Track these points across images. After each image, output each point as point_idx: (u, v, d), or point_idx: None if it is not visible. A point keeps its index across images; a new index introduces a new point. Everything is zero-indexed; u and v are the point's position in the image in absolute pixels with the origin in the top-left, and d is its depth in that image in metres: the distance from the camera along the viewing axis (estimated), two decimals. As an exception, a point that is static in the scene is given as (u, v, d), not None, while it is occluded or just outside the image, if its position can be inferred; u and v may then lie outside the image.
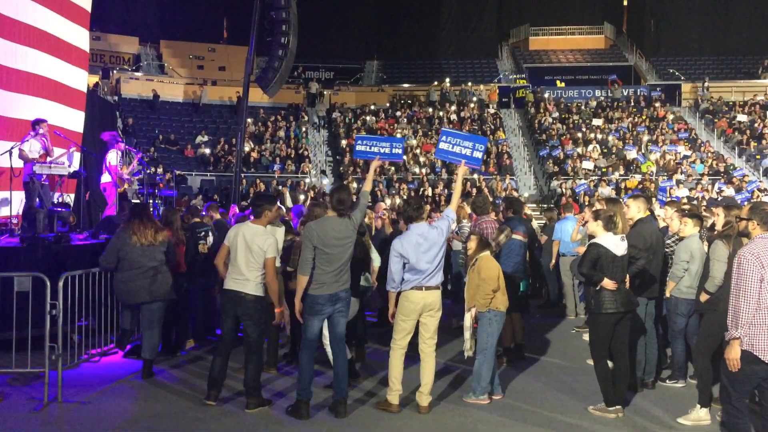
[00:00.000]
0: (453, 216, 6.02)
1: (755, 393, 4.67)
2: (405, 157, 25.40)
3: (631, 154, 24.49)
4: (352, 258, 6.48)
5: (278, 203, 6.82)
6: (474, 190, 21.81)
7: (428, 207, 17.17)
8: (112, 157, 10.65)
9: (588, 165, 24.07)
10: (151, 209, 11.55)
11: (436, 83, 32.98)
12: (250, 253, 5.80)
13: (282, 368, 7.16)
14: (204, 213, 9.29)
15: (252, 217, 6.12)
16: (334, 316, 5.70)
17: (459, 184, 6.40)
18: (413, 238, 5.67)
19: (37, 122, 9.81)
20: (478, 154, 6.30)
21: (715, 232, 6.11)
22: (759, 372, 4.35)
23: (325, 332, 6.13)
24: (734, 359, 4.37)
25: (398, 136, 27.64)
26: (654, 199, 18.08)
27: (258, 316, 5.91)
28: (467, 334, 6.07)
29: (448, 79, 33.02)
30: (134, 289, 6.80)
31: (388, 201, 18.99)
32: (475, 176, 23.60)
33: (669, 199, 14.31)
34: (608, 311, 5.68)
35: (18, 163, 9.49)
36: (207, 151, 25.52)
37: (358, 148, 6.78)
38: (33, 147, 9.56)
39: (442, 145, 6.47)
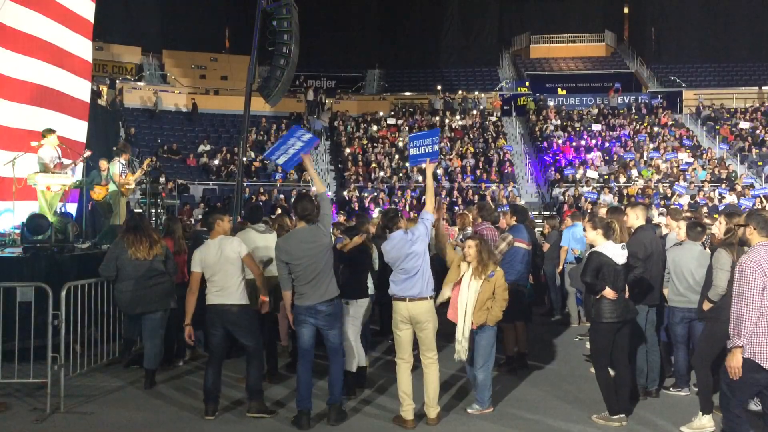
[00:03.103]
0: (430, 217, 5.83)
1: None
2: (407, 166, 25.47)
3: (634, 172, 24.32)
4: (360, 262, 6.47)
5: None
6: (476, 197, 21.85)
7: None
8: (115, 166, 10.69)
9: (592, 174, 23.99)
10: (153, 219, 11.58)
11: (437, 92, 33.07)
12: (228, 263, 5.81)
13: (283, 378, 7.13)
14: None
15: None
16: (322, 330, 5.66)
17: (430, 181, 6.14)
18: (388, 246, 5.69)
19: (48, 131, 9.87)
20: (436, 147, 6.17)
21: (717, 240, 6.10)
22: (760, 380, 4.34)
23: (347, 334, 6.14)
24: (736, 367, 4.35)
25: (399, 144, 27.67)
26: (653, 207, 18.06)
27: (247, 324, 5.93)
28: (466, 345, 5.91)
29: (440, 87, 33.09)
30: (134, 299, 6.80)
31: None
32: (479, 185, 23.67)
33: (672, 206, 14.28)
34: (608, 321, 5.67)
35: (22, 173, 9.52)
36: (213, 161, 25.56)
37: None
38: (45, 157, 9.64)
39: (413, 151, 6.26)
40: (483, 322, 5.90)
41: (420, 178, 24.69)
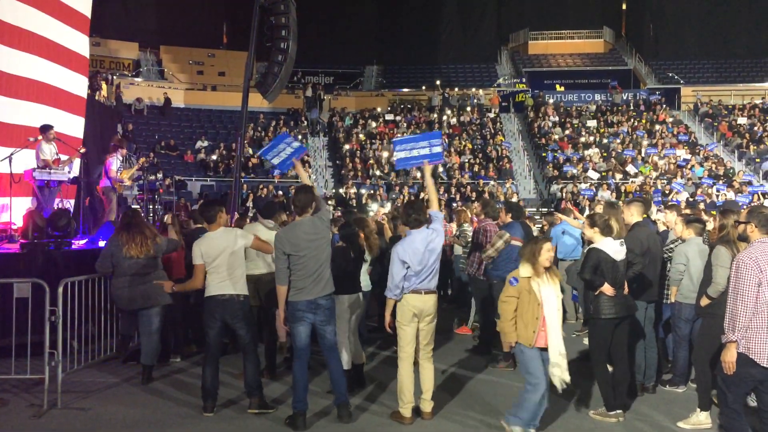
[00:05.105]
0: (440, 215, 5.86)
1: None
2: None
3: (633, 169, 24.31)
4: (351, 258, 6.45)
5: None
6: (474, 194, 21.85)
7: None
8: (112, 162, 10.69)
9: (593, 175, 23.92)
10: (151, 215, 11.57)
11: (436, 88, 33.05)
12: (232, 255, 5.81)
13: (282, 375, 7.13)
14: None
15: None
16: (318, 327, 5.56)
17: (430, 183, 6.19)
18: (417, 244, 5.53)
19: (46, 128, 9.86)
20: (437, 149, 6.11)
21: (714, 237, 6.11)
22: (755, 375, 4.36)
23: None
24: (730, 362, 4.39)
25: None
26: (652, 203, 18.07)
27: (248, 317, 5.94)
28: (565, 363, 5.18)
29: (439, 81, 33.07)
30: (130, 296, 6.81)
31: (389, 206, 18.94)
32: (478, 181, 23.65)
33: (670, 203, 14.31)
34: (607, 316, 5.67)
35: (18, 169, 9.50)
36: (213, 156, 25.54)
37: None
38: (46, 152, 9.63)
39: (399, 155, 6.21)
40: None
41: (419, 175, 24.66)
